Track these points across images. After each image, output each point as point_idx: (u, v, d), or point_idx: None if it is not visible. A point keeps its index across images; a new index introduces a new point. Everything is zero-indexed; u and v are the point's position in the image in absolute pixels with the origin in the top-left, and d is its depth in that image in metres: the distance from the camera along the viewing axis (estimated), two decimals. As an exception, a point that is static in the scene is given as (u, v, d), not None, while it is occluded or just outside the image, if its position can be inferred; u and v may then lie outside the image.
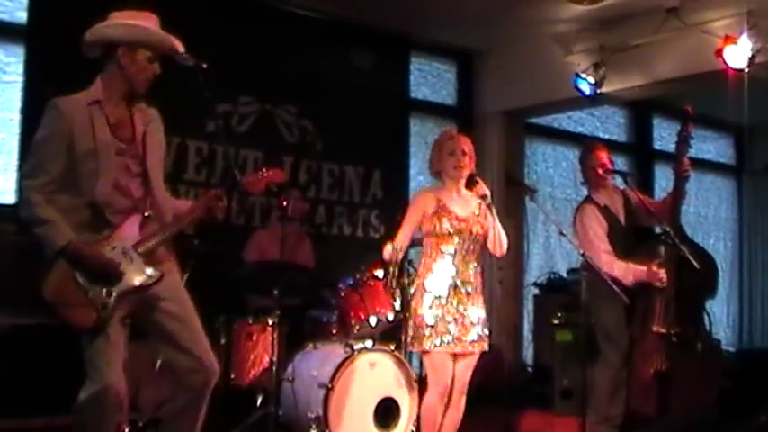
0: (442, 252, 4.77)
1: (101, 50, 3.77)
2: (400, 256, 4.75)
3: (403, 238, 4.81)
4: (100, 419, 3.58)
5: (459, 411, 4.90)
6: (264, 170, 4.12)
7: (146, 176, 3.79)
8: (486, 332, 4.83)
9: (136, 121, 3.81)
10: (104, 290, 3.60)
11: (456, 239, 4.75)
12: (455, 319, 4.69)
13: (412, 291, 4.84)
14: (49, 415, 5.19)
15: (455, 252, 4.76)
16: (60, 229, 3.56)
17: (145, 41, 3.74)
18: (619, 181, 5.96)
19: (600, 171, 5.79)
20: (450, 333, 4.67)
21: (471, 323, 4.74)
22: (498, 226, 4.81)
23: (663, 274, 5.43)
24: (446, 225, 4.75)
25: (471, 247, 4.80)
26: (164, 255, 3.85)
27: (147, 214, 3.76)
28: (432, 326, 4.67)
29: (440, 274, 4.74)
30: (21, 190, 3.69)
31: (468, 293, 4.75)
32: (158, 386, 4.91)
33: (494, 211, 4.78)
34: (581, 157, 6.02)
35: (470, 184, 4.84)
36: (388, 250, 4.76)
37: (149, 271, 3.71)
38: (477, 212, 4.82)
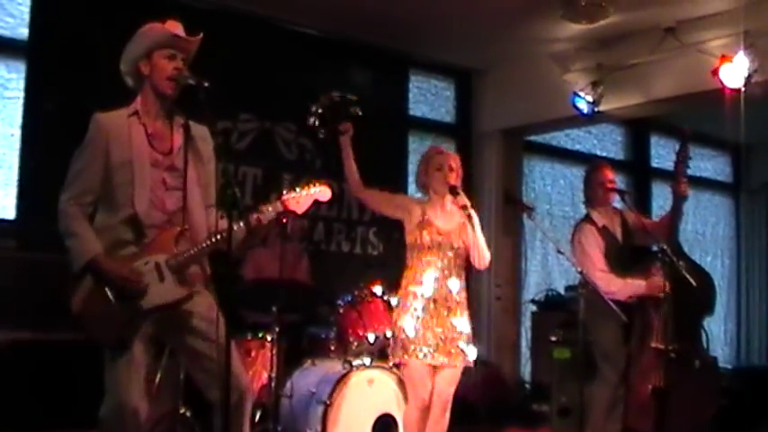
0: (423, 265, 4.79)
1: (135, 75, 3.81)
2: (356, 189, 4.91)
3: (373, 192, 4.95)
4: None
5: (442, 428, 4.88)
6: (309, 186, 3.97)
7: (183, 190, 3.74)
8: (470, 347, 4.82)
9: (175, 134, 3.80)
10: (131, 305, 3.57)
11: (437, 253, 4.77)
12: (435, 333, 4.70)
13: (394, 303, 4.87)
14: (47, 431, 5.18)
15: (436, 265, 4.77)
16: (88, 243, 3.57)
17: (153, 43, 3.75)
18: (617, 201, 6.00)
19: (608, 186, 5.84)
20: (429, 345, 4.68)
21: (453, 337, 4.74)
22: (479, 238, 4.82)
23: (662, 282, 5.44)
24: (426, 238, 4.77)
25: (453, 261, 4.81)
26: (197, 274, 3.81)
27: (183, 229, 3.72)
28: (411, 338, 4.69)
29: (421, 287, 4.76)
30: (58, 202, 3.65)
31: (449, 307, 4.76)
32: (158, 401, 4.91)
33: (474, 221, 4.78)
34: (586, 175, 6.06)
35: (452, 193, 4.86)
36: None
37: (179, 289, 3.67)
38: (459, 227, 4.84)
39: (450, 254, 4.79)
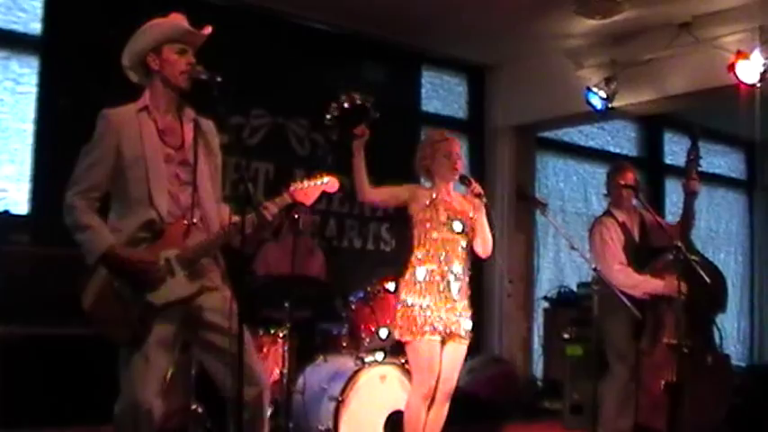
0: (433, 242, 4.78)
1: (140, 69, 3.77)
2: (362, 194, 4.85)
3: (378, 190, 4.89)
4: None
5: (443, 414, 4.87)
6: (317, 177, 3.90)
7: (195, 184, 3.72)
8: (470, 329, 4.85)
9: (185, 129, 3.78)
10: (143, 302, 3.54)
11: (447, 231, 4.76)
12: (445, 309, 4.70)
13: (405, 277, 4.84)
14: (60, 425, 5.20)
15: (446, 243, 4.76)
16: (101, 235, 3.53)
17: (163, 37, 3.71)
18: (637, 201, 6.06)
19: (623, 192, 5.89)
20: (439, 321, 4.67)
21: (458, 317, 4.75)
22: (486, 226, 4.84)
23: (679, 283, 5.47)
24: (442, 215, 4.76)
25: (460, 240, 4.81)
26: (210, 267, 3.77)
27: (193, 222, 3.69)
28: (420, 314, 4.67)
29: (430, 265, 4.74)
30: (65, 198, 3.60)
31: (458, 287, 4.76)
32: (169, 398, 4.91)
33: (490, 211, 4.81)
34: (608, 174, 6.13)
35: (463, 183, 4.85)
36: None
37: (190, 284, 3.64)
38: (468, 210, 4.85)
39: (459, 234, 4.79)
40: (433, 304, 4.69)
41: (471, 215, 4.84)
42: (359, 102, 4.77)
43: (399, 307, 4.82)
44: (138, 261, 3.54)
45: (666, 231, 5.65)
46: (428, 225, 4.80)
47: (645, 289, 5.57)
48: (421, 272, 4.76)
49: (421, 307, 4.69)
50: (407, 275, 4.83)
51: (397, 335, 4.87)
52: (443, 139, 5.01)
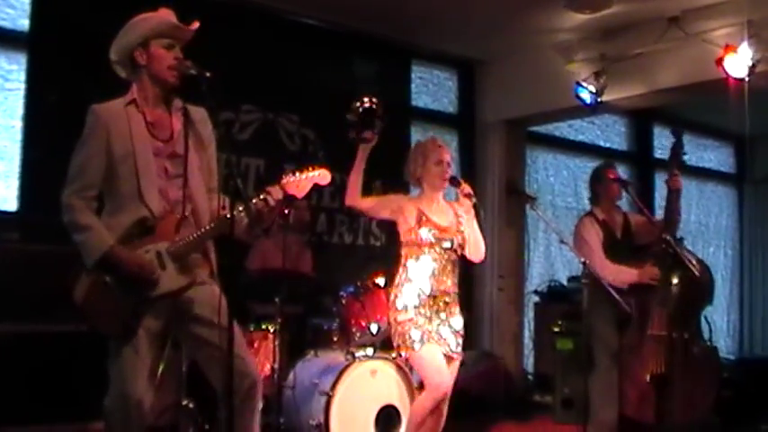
0: (421, 262, 4.76)
1: (128, 64, 3.76)
2: (351, 199, 4.84)
3: (367, 198, 4.88)
4: (123, 427, 3.59)
5: (442, 419, 4.86)
6: (309, 170, 3.92)
7: (185, 178, 3.71)
8: (462, 341, 4.84)
9: (173, 119, 3.76)
10: (135, 296, 3.55)
11: (436, 249, 4.74)
12: (438, 327, 4.69)
13: (392, 298, 4.82)
14: (50, 423, 5.18)
15: (434, 261, 4.74)
16: (101, 235, 3.54)
17: (150, 32, 3.70)
18: (623, 201, 6.12)
19: (612, 186, 6.03)
20: (434, 338, 4.66)
21: (451, 332, 4.75)
22: (477, 230, 4.82)
23: (656, 271, 5.54)
24: (427, 235, 4.73)
25: (449, 257, 4.79)
26: (200, 261, 3.77)
27: (185, 216, 3.69)
28: (415, 328, 4.65)
29: (419, 285, 4.73)
30: (60, 197, 3.60)
31: (446, 303, 4.75)
32: (161, 393, 4.91)
33: (480, 212, 4.79)
34: (596, 171, 6.22)
35: (452, 184, 4.83)
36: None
37: (181, 277, 3.65)
38: (455, 222, 4.82)
39: (447, 250, 4.77)
40: (426, 322, 4.68)
41: (456, 226, 4.82)
42: (376, 105, 4.70)
43: (393, 326, 4.80)
44: (137, 266, 3.55)
45: (655, 225, 5.72)
46: (415, 247, 4.78)
47: (621, 279, 5.63)
48: (409, 292, 4.73)
49: (415, 323, 4.67)
50: (393, 296, 4.80)
51: (397, 353, 4.88)
52: (437, 146, 4.96)
